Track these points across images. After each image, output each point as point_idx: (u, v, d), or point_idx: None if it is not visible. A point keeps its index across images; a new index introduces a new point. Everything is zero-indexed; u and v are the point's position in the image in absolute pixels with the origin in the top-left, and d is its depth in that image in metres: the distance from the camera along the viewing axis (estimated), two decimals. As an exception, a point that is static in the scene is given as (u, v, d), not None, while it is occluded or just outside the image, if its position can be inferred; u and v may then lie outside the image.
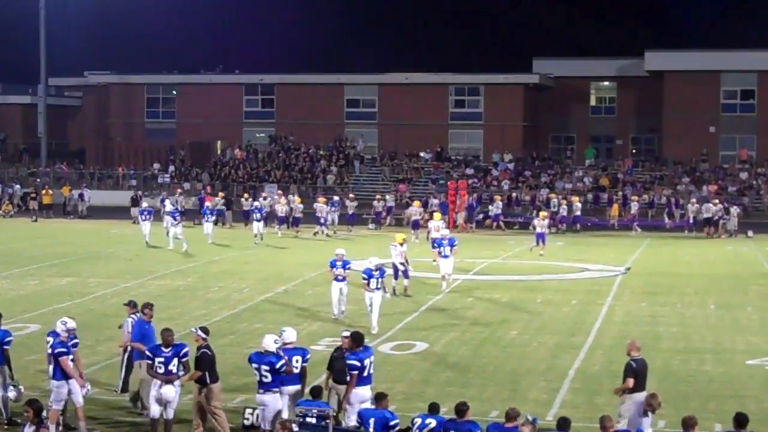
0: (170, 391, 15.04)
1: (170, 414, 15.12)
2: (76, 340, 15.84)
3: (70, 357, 15.42)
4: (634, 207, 51.46)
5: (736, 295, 30.26)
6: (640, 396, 15.10)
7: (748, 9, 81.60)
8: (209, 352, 15.33)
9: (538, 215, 42.88)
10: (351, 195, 51.98)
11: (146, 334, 16.90)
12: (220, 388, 15.37)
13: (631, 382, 15.06)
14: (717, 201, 50.48)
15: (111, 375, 19.39)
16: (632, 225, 50.73)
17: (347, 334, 15.63)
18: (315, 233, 46.90)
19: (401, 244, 28.93)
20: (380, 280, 23.90)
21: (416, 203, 49.80)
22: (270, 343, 15.12)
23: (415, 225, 46.84)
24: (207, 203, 46.42)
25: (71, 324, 15.86)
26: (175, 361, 15.15)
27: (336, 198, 50.39)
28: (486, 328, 24.68)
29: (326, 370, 15.79)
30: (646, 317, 26.41)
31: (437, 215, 42.07)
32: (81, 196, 57.07)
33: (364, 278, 23.87)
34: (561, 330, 24.41)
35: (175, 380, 15.12)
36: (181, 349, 15.29)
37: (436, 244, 29.74)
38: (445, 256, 29.40)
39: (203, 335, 15.59)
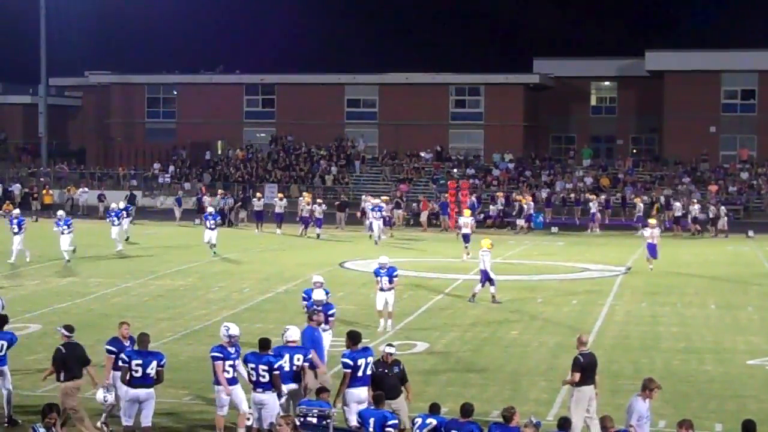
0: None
1: (147, 421, 14.98)
2: (238, 349, 15.43)
3: (228, 362, 15.19)
4: (594, 206, 51.49)
5: (736, 295, 30.28)
6: (589, 389, 15.27)
7: (748, 9, 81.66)
8: (63, 350, 15.55)
9: (647, 223, 38.50)
10: (319, 200, 49.44)
11: (317, 340, 16.58)
12: (68, 387, 15.35)
13: (577, 376, 15.27)
14: (696, 202, 51.42)
15: (111, 375, 19.41)
16: (590, 224, 50.93)
17: (390, 350, 15.33)
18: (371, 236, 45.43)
19: (489, 251, 28.00)
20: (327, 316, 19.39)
21: (384, 199, 49.73)
22: (295, 334, 15.54)
23: (385, 222, 47.05)
24: (113, 205, 42.12)
25: (234, 330, 15.59)
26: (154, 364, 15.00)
27: (376, 202, 46.46)
28: (486, 328, 24.69)
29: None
30: (646, 317, 26.42)
31: (467, 212, 42.30)
32: (100, 197, 56.56)
33: (306, 312, 19.68)
34: (561, 330, 24.41)
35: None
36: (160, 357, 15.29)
37: (374, 274, 24.71)
38: (386, 289, 24.17)
39: (66, 332, 15.94)
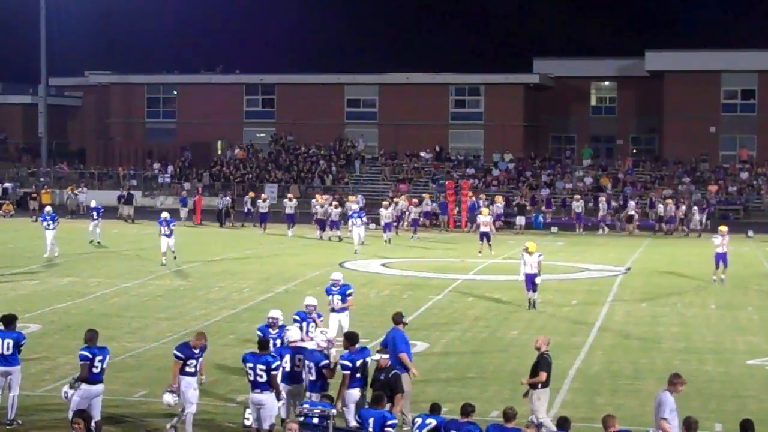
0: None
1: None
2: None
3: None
4: (579, 207, 51.50)
5: (736, 295, 30.28)
6: (548, 390, 15.43)
7: (748, 9, 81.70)
8: None
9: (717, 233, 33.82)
10: (335, 201, 48.08)
11: (408, 342, 16.69)
12: None
13: (544, 375, 15.41)
14: (670, 201, 51.78)
15: (111, 375, 19.35)
16: (576, 223, 51.04)
17: (375, 357, 15.28)
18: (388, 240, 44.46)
19: (530, 254, 26.96)
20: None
21: (415, 201, 49.37)
22: (296, 334, 15.70)
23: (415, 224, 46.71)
24: (48, 208, 39.63)
25: (331, 333, 16.00)
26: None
27: (355, 207, 44.60)
28: (486, 328, 24.69)
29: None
30: (646, 317, 26.42)
31: (485, 210, 42.37)
32: (120, 198, 55.73)
33: (258, 335, 17.14)
34: (561, 330, 24.41)
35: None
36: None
37: (326, 293, 21.38)
38: (338, 310, 21.01)
39: None
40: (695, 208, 50.57)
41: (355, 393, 14.93)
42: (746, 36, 71.24)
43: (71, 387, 15.17)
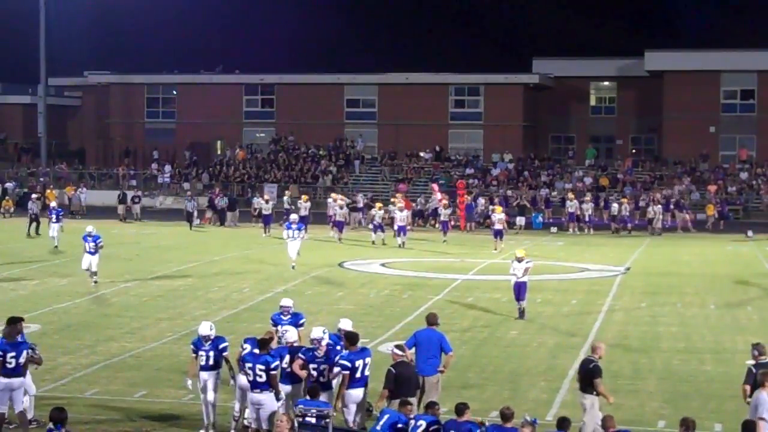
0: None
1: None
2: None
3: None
4: (572, 206, 51.46)
5: (736, 295, 30.26)
6: (588, 397, 15.00)
7: (748, 9, 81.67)
8: None
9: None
10: (305, 196, 47.88)
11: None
12: None
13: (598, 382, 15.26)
14: (625, 200, 52.33)
15: (111, 375, 19.41)
16: (569, 223, 51.10)
17: (399, 351, 15.28)
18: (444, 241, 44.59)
19: (519, 261, 25.66)
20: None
21: (445, 203, 47.34)
22: (293, 335, 15.70)
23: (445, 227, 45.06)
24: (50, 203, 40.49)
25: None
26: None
27: (294, 218, 36.99)
28: (486, 328, 24.66)
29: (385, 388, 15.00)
30: (646, 317, 26.40)
31: (498, 208, 42.49)
32: (134, 198, 55.52)
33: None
34: (561, 330, 24.41)
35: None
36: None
37: (272, 321, 17.91)
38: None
39: None
40: (659, 207, 50.58)
41: (355, 393, 14.91)
42: (746, 36, 71.24)
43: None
